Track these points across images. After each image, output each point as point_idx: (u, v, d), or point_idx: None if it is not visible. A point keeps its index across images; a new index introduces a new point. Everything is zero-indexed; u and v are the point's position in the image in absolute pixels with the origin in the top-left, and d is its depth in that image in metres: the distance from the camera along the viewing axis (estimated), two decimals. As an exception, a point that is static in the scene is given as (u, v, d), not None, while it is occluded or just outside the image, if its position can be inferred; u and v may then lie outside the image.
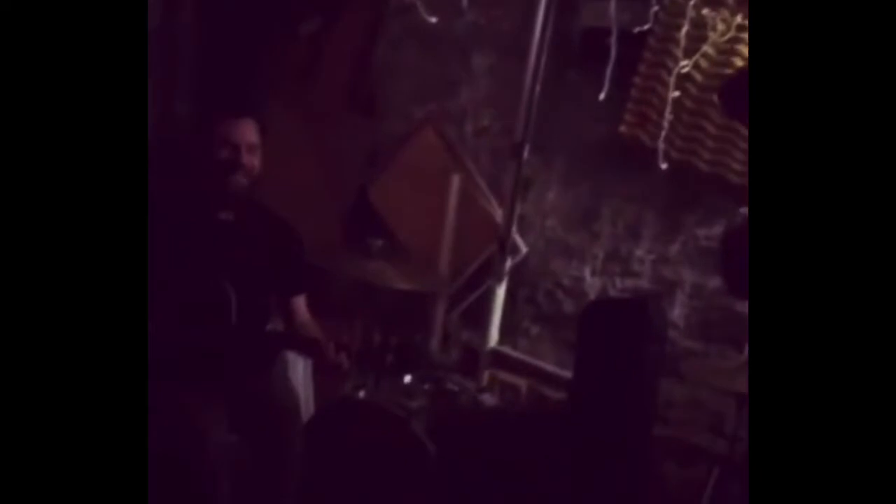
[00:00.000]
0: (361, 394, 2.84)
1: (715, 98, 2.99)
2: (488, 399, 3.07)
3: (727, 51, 2.99)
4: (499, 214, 3.39)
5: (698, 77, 3.05)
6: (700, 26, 3.01)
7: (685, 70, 3.03)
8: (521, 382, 3.36)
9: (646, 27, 3.12)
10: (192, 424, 2.35)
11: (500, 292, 3.32)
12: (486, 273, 3.38)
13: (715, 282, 3.22)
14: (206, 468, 2.34)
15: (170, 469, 2.33)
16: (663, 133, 3.09)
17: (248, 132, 2.55)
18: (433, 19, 3.47)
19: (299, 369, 3.08)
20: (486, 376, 3.33)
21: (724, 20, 2.98)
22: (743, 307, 3.14)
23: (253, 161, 2.55)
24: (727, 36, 2.96)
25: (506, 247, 3.24)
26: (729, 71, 2.98)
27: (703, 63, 3.03)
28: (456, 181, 3.49)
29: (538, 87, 3.14)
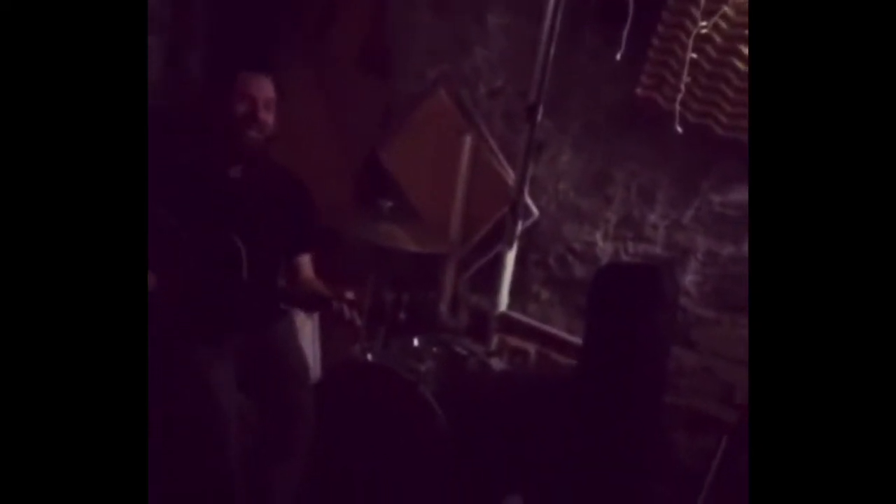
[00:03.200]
0: (370, 356, 2.83)
1: (734, 60, 2.94)
2: (497, 363, 3.06)
3: (747, 12, 2.93)
4: (511, 177, 3.36)
5: (717, 39, 2.99)
6: (720, -14, 2.95)
7: (704, 31, 2.97)
8: (530, 347, 3.34)
9: (665, -14, 3.06)
10: (202, 381, 2.36)
11: (511, 256, 3.28)
12: (497, 236, 3.35)
13: (729, 249, 3.18)
14: (216, 426, 2.34)
15: (180, 425, 2.34)
16: (680, 96, 3.03)
17: (266, 87, 2.54)
18: (448, -23, 3.41)
19: (307, 331, 3.08)
20: (495, 340, 3.31)
21: (744, -19, 2.92)
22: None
23: (269, 117, 2.54)
24: (748, -3, 2.90)
25: (517, 210, 3.21)
26: (748, 33, 2.92)
27: (723, 24, 2.97)
28: (468, 143, 3.45)
29: (553, 48, 3.09)
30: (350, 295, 2.40)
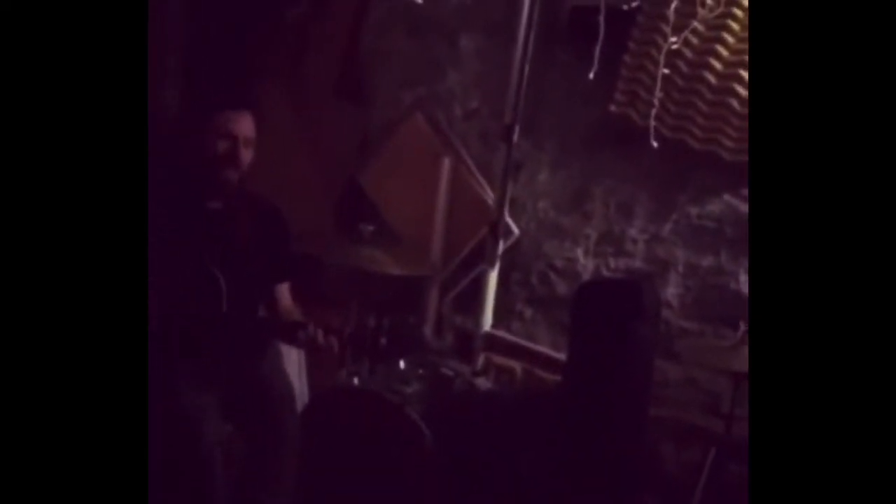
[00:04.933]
0: (356, 381, 2.83)
1: (706, 74, 2.98)
2: (483, 383, 3.06)
3: (717, 26, 2.96)
4: (490, 198, 3.38)
5: (688, 53, 3.02)
6: (689, 2, 2.97)
7: (675, 47, 3.00)
8: (516, 365, 3.35)
9: (634, 4, 3.09)
10: (185, 413, 2.34)
11: (493, 276, 3.30)
12: (479, 257, 3.37)
13: (709, 260, 3.21)
14: (201, 457, 2.32)
15: (164, 459, 2.32)
16: (654, 111, 3.06)
17: (247, 125, 2.53)
18: (419, 1, 3.44)
19: (293, 358, 3.07)
20: (480, 360, 3.32)
21: (712, -5, 2.96)
22: (738, 285, 3.13)
23: (248, 155, 2.53)
24: (717, 11, 2.93)
25: (498, 230, 3.23)
26: (719, 47, 2.96)
27: (693, 39, 3.00)
28: (446, 165, 3.47)
29: (527, 68, 3.12)
30: (329, 321, 2.40)
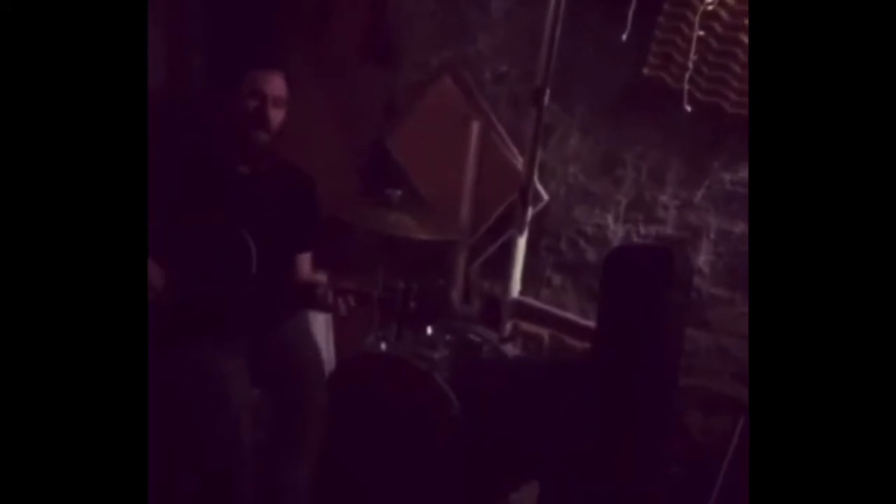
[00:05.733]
0: (383, 346, 2.82)
1: (742, 37, 2.91)
2: (511, 349, 3.05)
3: (753, -13, 2.90)
4: (519, 162, 3.34)
5: (724, 15, 2.95)
6: (725, -38, 2.91)
7: (710, 8, 2.94)
8: (544, 332, 3.33)
9: (669, -36, 3.03)
10: (214, 378, 2.35)
11: (522, 242, 3.27)
12: (508, 222, 3.34)
13: (741, 227, 3.16)
14: (229, 421, 2.33)
15: (193, 423, 2.33)
16: (688, 74, 3.00)
17: (277, 85, 2.52)
18: (450, -38, 3.39)
19: (321, 323, 3.07)
20: (508, 326, 3.29)
21: (750, -45, 2.89)
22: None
23: (278, 114, 2.52)
24: (753, -28, 2.86)
25: (527, 195, 3.19)
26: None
27: (729, 0, 2.94)
28: (475, 129, 3.43)
29: (558, 31, 3.06)
30: (348, 284, 2.40)
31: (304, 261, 2.72)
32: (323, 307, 2.46)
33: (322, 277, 2.68)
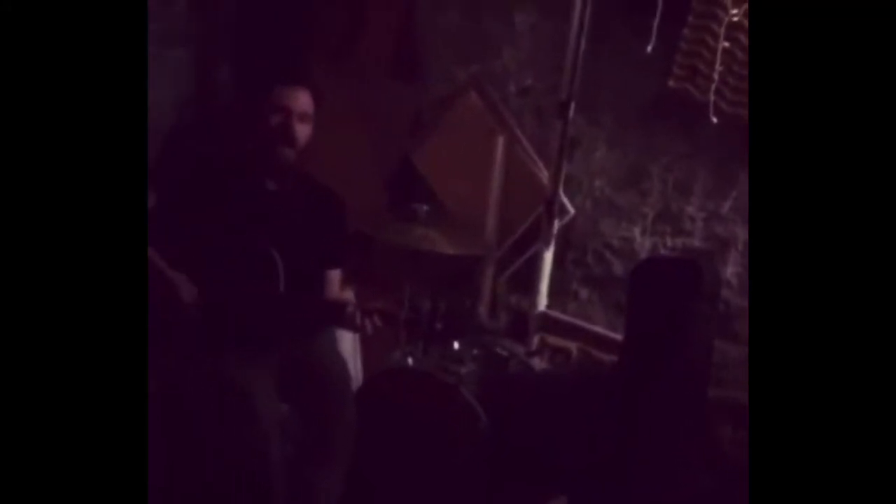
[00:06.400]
0: (410, 361, 2.82)
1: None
2: (538, 363, 3.04)
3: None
4: (545, 176, 3.34)
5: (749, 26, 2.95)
6: (749, -27, 2.90)
7: (735, 19, 2.93)
8: (572, 346, 3.32)
9: (693, -24, 3.02)
10: (243, 394, 2.36)
11: (549, 255, 3.26)
12: (534, 236, 3.33)
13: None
14: (258, 437, 2.34)
15: (222, 439, 2.34)
16: (713, 85, 3.00)
17: (303, 100, 2.53)
18: (474, -22, 3.41)
19: (348, 338, 3.08)
20: (535, 340, 3.29)
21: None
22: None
23: (304, 131, 2.53)
24: (778, -18, 2.85)
25: (553, 209, 3.19)
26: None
27: (754, 11, 2.93)
28: (501, 143, 3.44)
29: (583, 44, 3.06)
30: (375, 304, 2.40)
31: (333, 278, 2.73)
32: (350, 326, 2.46)
33: (350, 295, 2.69)
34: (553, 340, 3.33)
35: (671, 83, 3.13)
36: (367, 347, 3.22)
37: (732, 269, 3.20)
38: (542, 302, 3.32)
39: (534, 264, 3.30)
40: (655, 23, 3.08)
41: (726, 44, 2.96)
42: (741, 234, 3.19)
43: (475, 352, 2.90)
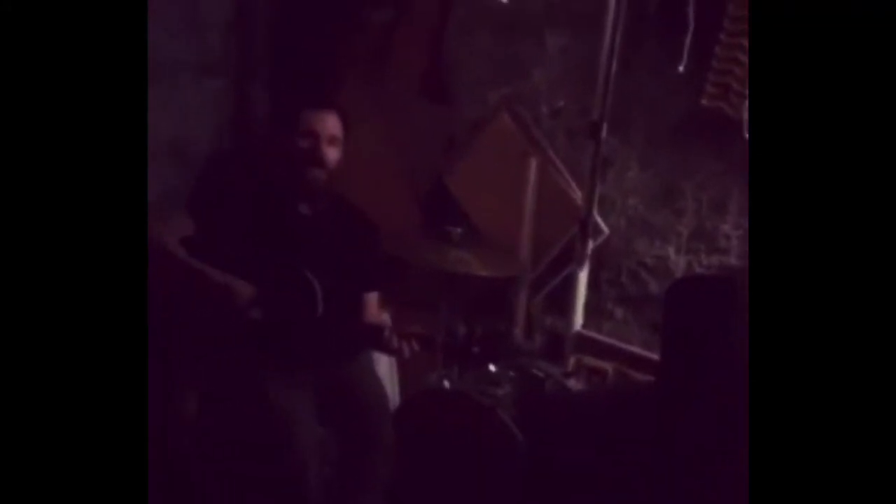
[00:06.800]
0: (446, 383, 2.83)
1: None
2: (574, 384, 3.02)
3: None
4: (578, 196, 3.34)
5: (781, 43, 2.94)
6: (781, -10, 2.89)
7: (767, 37, 2.92)
8: (608, 366, 3.30)
9: (725, -7, 3.02)
10: (281, 417, 2.38)
11: (583, 275, 3.26)
12: (568, 256, 3.33)
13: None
14: (297, 460, 2.36)
15: (261, 462, 2.36)
16: (746, 103, 2.98)
17: (331, 124, 2.56)
18: (504, 1, 3.42)
19: (384, 360, 3.09)
20: (571, 361, 3.28)
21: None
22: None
23: (333, 154, 2.56)
24: None
25: (587, 229, 3.18)
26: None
27: (786, 28, 2.92)
28: (533, 164, 3.45)
29: (614, 64, 3.07)
30: (416, 328, 2.41)
31: (371, 300, 2.74)
32: (387, 350, 2.48)
33: (386, 318, 2.71)
34: (589, 361, 3.32)
35: (704, 102, 3.12)
36: (404, 369, 3.23)
37: (769, 287, 3.17)
38: (578, 322, 3.31)
39: (568, 285, 3.30)
40: (687, 41, 3.08)
41: (759, 61, 2.95)
42: (777, 251, 3.16)
43: (511, 374, 2.90)
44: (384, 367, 3.08)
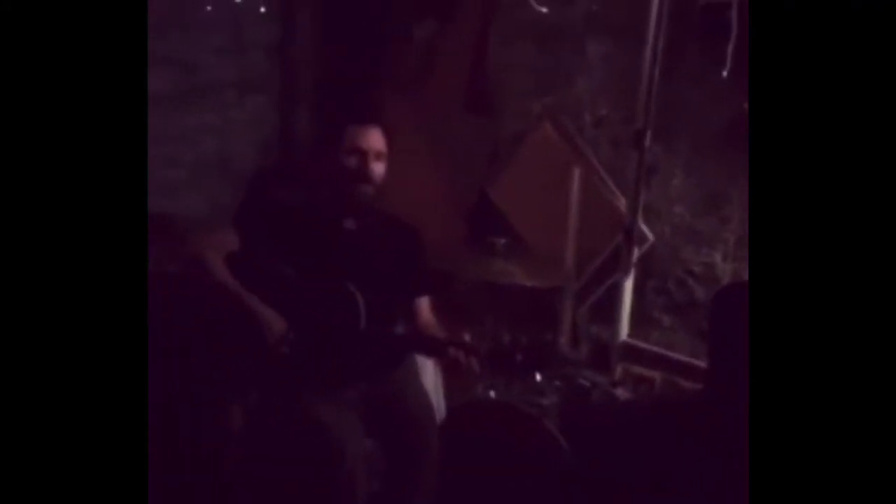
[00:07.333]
0: (493, 394, 2.83)
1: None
2: (622, 393, 3.01)
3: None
4: (623, 204, 3.32)
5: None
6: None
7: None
8: (655, 375, 3.28)
9: (767, -2, 2.99)
10: (328, 432, 2.39)
11: (629, 283, 3.24)
12: (614, 265, 3.32)
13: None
14: (345, 474, 2.37)
15: (309, 477, 2.38)
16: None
17: (376, 139, 2.57)
18: (545, 10, 3.43)
19: (429, 372, 3.10)
20: (618, 370, 3.26)
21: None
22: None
23: (379, 169, 2.57)
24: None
25: (632, 237, 3.17)
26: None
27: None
28: (577, 174, 3.44)
29: (657, 71, 3.05)
30: (467, 338, 2.41)
31: (423, 304, 2.74)
32: (439, 354, 2.47)
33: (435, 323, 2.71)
34: (636, 370, 3.30)
35: (747, 107, 3.09)
36: (450, 381, 3.24)
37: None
38: (624, 331, 3.29)
39: (614, 293, 3.29)
40: (730, 47, 3.06)
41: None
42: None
43: (557, 383, 2.90)
44: (429, 378, 3.09)
